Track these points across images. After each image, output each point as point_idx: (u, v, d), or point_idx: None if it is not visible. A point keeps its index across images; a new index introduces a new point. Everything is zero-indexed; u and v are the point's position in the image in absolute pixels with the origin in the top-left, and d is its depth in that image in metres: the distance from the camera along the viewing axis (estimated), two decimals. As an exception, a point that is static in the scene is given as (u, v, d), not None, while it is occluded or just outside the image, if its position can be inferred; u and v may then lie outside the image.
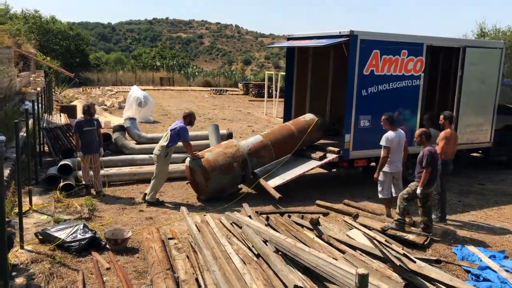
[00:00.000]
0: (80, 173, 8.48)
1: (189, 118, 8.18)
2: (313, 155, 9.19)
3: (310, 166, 8.88)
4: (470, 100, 10.27)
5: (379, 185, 7.32)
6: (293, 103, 11.04)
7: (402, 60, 9.14)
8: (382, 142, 7.20)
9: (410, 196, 6.64)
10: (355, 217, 7.03)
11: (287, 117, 11.01)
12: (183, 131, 8.02)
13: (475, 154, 12.17)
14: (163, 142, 7.97)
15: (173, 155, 10.39)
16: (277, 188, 8.15)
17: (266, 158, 8.81)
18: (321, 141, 9.87)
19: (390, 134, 7.13)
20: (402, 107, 9.29)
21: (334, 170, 9.90)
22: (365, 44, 8.68)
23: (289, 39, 10.43)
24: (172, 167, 9.74)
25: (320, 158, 8.96)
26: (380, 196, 7.43)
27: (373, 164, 9.07)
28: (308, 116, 9.65)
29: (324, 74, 11.22)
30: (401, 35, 9.25)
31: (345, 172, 10.50)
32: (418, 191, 6.55)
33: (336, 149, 9.08)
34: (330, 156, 9.00)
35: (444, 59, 12.06)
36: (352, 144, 8.87)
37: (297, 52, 10.89)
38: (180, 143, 8.37)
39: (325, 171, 10.24)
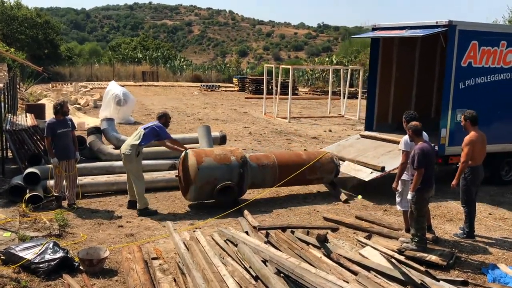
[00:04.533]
0: (52, 182, 8.47)
1: (165, 119, 8.44)
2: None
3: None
4: None
5: (397, 195, 7.33)
6: (376, 98, 11.78)
7: (501, 51, 9.89)
8: (401, 146, 7.20)
9: (418, 206, 6.60)
10: (368, 238, 7.02)
11: (370, 112, 11.78)
12: (163, 129, 8.26)
13: None
14: (134, 140, 8.11)
15: (159, 161, 10.46)
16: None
17: (268, 168, 8.93)
18: None
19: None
20: (500, 101, 9.97)
21: None
22: (463, 35, 9.46)
23: (374, 29, 11.22)
24: (156, 175, 9.76)
25: None
26: (398, 208, 7.44)
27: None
28: (320, 150, 10.57)
29: (409, 66, 12.06)
30: (500, 25, 10.40)
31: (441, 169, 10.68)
32: (409, 196, 6.56)
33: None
34: None
35: None
36: (448, 140, 9.52)
37: (382, 44, 11.62)
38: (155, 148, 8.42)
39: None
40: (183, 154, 8.58)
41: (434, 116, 11.95)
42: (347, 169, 9.90)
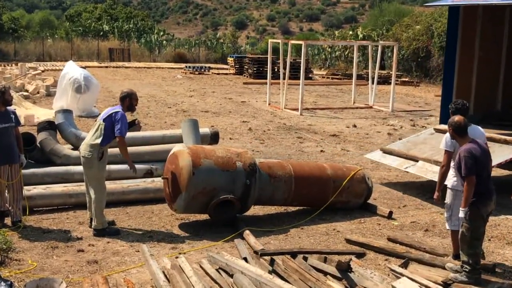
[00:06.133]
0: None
1: (129, 100, 8.24)
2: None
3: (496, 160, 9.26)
4: None
5: (446, 210, 7.31)
6: (454, 83, 12.14)
7: None
8: (442, 145, 7.20)
9: (472, 226, 6.58)
10: (404, 266, 7.01)
11: (446, 100, 11.99)
12: (123, 118, 8.07)
13: None
14: (95, 139, 8.03)
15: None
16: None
17: (281, 181, 8.92)
18: (500, 132, 10.61)
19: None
20: None
21: None
22: None
23: None
24: (128, 184, 9.75)
25: None
26: (447, 226, 7.41)
27: None
28: (349, 165, 10.79)
29: (496, 43, 12.42)
30: None
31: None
32: (461, 214, 6.51)
33: None
34: None
35: None
36: None
37: (462, 14, 11.91)
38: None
39: (507, 171, 10.87)
40: (173, 150, 8.52)
41: None
42: (421, 171, 10.07)
